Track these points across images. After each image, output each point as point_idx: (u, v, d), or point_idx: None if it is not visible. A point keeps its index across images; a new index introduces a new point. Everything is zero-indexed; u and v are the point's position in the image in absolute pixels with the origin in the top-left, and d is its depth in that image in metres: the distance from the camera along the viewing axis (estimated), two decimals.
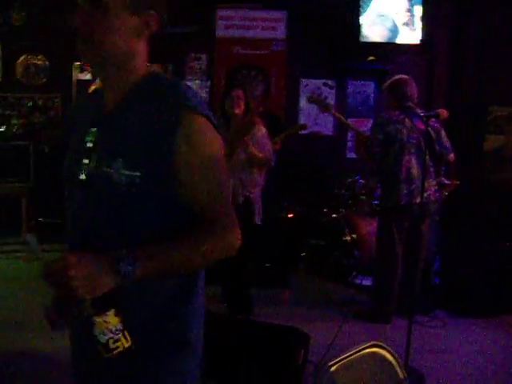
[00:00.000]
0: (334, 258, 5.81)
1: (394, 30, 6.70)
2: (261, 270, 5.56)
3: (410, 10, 6.67)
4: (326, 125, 7.08)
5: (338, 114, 5.19)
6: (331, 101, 6.67)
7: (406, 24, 6.68)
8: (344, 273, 5.70)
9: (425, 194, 4.10)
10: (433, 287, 5.21)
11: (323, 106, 5.08)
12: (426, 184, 4.27)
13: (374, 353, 2.06)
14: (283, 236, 5.91)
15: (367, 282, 5.21)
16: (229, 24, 7.22)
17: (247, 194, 4.44)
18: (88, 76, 7.11)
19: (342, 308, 4.91)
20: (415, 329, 4.43)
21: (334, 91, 7.15)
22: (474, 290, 4.97)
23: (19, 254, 6.00)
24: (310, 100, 5.22)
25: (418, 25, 6.61)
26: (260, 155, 4.43)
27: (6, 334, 4.19)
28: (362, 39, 6.69)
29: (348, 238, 5.69)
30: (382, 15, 6.71)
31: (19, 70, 7.14)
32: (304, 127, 5.82)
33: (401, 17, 6.70)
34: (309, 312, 4.88)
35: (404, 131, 4.53)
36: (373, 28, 6.71)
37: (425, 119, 3.86)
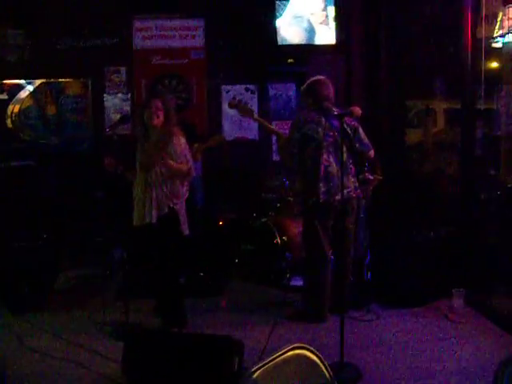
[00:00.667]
0: (266, 261, 5.81)
1: (311, 31, 6.78)
2: (194, 279, 5.53)
3: (325, 10, 6.77)
4: (250, 130, 7.11)
5: (258, 118, 5.30)
6: (253, 105, 6.70)
7: (324, 24, 6.76)
8: (278, 276, 5.70)
9: (344, 191, 4.17)
10: (366, 282, 5.29)
11: (244, 111, 5.14)
12: (345, 181, 4.36)
13: (297, 355, 2.05)
14: (215, 244, 5.88)
15: (301, 283, 5.24)
16: (146, 35, 7.17)
17: (171, 205, 4.38)
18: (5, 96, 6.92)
19: (276, 311, 4.90)
20: (350, 324, 4.50)
21: (255, 95, 7.20)
22: (405, 280, 5.08)
23: None
24: (231, 106, 5.27)
25: (333, 25, 6.72)
26: (179, 166, 4.38)
27: None
28: (280, 42, 6.76)
29: (279, 241, 5.71)
30: (298, 16, 6.78)
31: None
32: (221, 139, 5.91)
33: (317, 17, 6.79)
34: (244, 318, 4.86)
35: (320, 130, 4.59)
36: (289, 30, 6.78)
37: (339, 117, 3.93)
